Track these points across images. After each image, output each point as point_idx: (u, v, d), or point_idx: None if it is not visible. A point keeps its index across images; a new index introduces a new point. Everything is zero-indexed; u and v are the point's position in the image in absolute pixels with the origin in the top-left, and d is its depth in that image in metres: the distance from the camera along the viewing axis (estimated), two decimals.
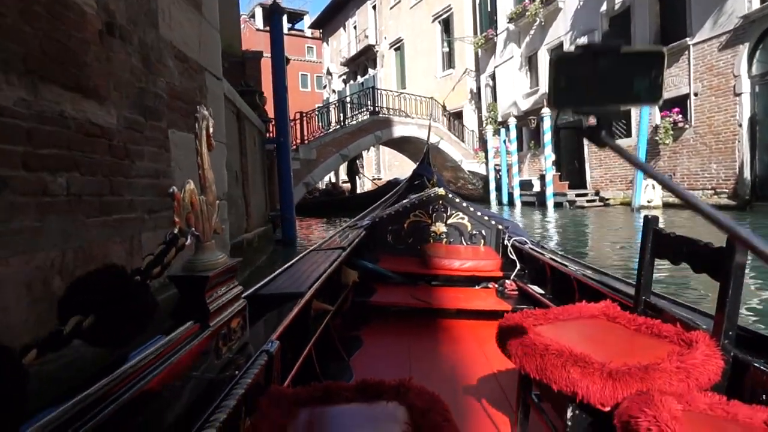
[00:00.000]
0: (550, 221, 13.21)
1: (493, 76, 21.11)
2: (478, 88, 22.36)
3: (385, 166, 28.37)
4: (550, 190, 15.86)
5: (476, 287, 3.50)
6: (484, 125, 21.23)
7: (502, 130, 18.82)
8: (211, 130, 1.14)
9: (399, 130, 17.73)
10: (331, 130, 16.37)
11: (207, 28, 4.29)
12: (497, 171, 19.51)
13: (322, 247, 3.22)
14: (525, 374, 1.42)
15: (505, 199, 18.42)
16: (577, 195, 15.66)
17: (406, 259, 3.69)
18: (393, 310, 3.24)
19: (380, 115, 17.62)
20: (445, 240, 3.89)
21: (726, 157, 11.59)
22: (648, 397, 0.99)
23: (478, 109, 22.40)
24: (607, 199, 15.15)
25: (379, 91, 18.24)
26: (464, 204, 3.96)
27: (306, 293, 1.91)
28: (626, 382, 1.11)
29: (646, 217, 1.67)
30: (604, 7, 15.07)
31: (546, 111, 16.03)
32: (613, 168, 15.13)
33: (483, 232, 3.87)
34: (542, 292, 2.92)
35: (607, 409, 1.13)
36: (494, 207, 18.22)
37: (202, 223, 1.09)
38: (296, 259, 2.70)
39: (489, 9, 21.03)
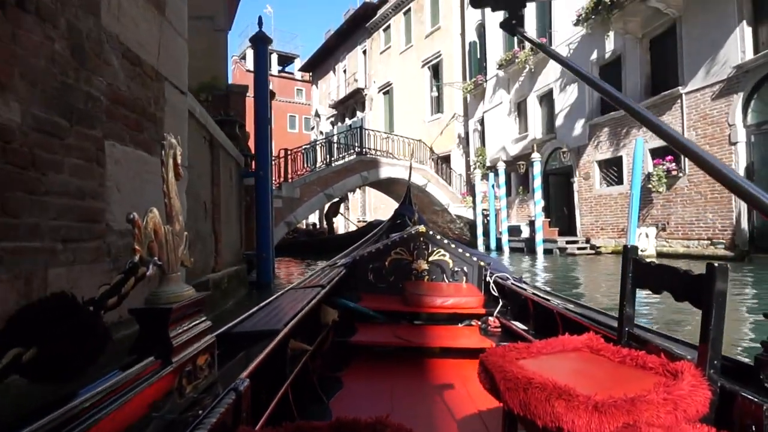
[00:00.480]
0: (541, 268, 12.59)
1: (481, 121, 20.92)
2: (467, 133, 22.15)
3: (371, 208, 27.81)
4: (539, 237, 15.33)
5: (459, 325, 3.44)
6: (472, 169, 20.87)
7: (491, 175, 18.43)
8: (179, 158, 1.11)
9: (386, 171, 17.23)
10: (316, 170, 15.79)
11: (171, 33, 3.68)
12: (485, 216, 19.01)
13: (301, 285, 3.11)
14: (509, 411, 1.41)
15: (493, 245, 17.83)
16: (568, 242, 15.13)
17: (388, 298, 3.62)
18: (375, 350, 3.15)
19: (367, 155, 17.13)
20: (427, 277, 3.82)
21: (722, 207, 11.16)
22: (636, 430, 0.97)
23: (466, 153, 22.12)
24: (599, 247, 14.62)
25: (366, 132, 17.81)
26: (445, 241, 3.89)
27: (282, 330, 1.81)
28: (612, 414, 1.08)
29: (625, 246, 1.62)
30: (594, 56, 14.97)
31: (536, 156, 15.68)
32: (603, 215, 14.68)
33: (465, 269, 3.82)
34: (525, 327, 2.88)
35: None
36: (482, 250, 17.61)
37: (167, 253, 1.05)
38: (273, 297, 2.58)
39: (479, 56, 21.04)
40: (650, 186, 12.59)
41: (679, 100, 12.09)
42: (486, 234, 18.69)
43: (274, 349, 1.67)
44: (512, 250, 16.96)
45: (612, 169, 14.60)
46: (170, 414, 0.98)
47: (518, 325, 2.98)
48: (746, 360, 1.33)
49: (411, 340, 3.01)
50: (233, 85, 13.00)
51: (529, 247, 16.06)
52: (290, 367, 2.02)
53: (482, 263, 3.83)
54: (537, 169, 15.68)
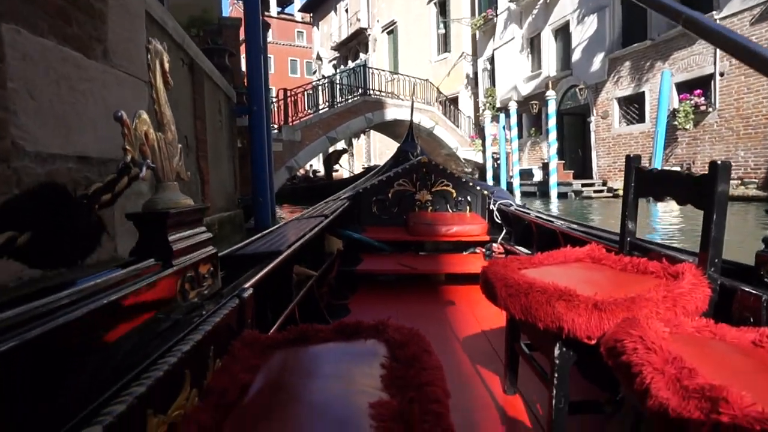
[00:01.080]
0: (556, 212, 11.82)
1: (491, 60, 19.65)
2: (475, 73, 20.90)
3: (376, 153, 26.84)
4: (553, 180, 14.45)
5: (464, 253, 3.46)
6: (481, 111, 19.77)
7: (501, 116, 17.36)
8: (166, 65, 1.07)
9: (392, 113, 16.21)
10: (318, 112, 14.80)
11: None
12: (495, 159, 18.08)
13: (305, 216, 3.10)
14: (511, 320, 1.52)
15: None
16: (584, 185, 14.26)
17: (392, 229, 3.62)
18: (380, 279, 3.18)
19: (372, 96, 16.06)
20: (430, 208, 3.80)
21: (756, 144, 10.24)
22: (634, 321, 0.95)
23: (475, 94, 20.96)
24: (616, 190, 13.77)
25: (370, 71, 16.66)
26: (448, 171, 3.86)
27: (285, 251, 1.78)
28: (612, 312, 1.08)
29: (627, 156, 1.60)
30: None
31: (551, 94, 14.59)
32: (622, 156, 13.73)
33: (468, 198, 3.80)
34: (529, 252, 2.87)
35: (594, 342, 1.10)
36: None
37: (161, 160, 1.03)
38: (276, 226, 2.58)
39: None
40: (676, 123, 11.61)
41: None
42: (496, 178, 17.82)
43: (278, 266, 1.66)
44: (524, 194, 16.12)
45: (633, 107, 13.55)
46: (175, 315, 0.97)
47: (522, 250, 3.00)
48: (747, 263, 1.29)
49: (416, 268, 2.99)
50: (225, 18, 11.90)
51: (542, 191, 15.21)
52: (296, 290, 2.02)
53: (485, 192, 3.81)
54: (552, 108, 14.62)
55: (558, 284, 1.20)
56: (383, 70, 18.13)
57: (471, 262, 3.25)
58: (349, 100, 15.51)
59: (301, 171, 17.93)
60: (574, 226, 2.39)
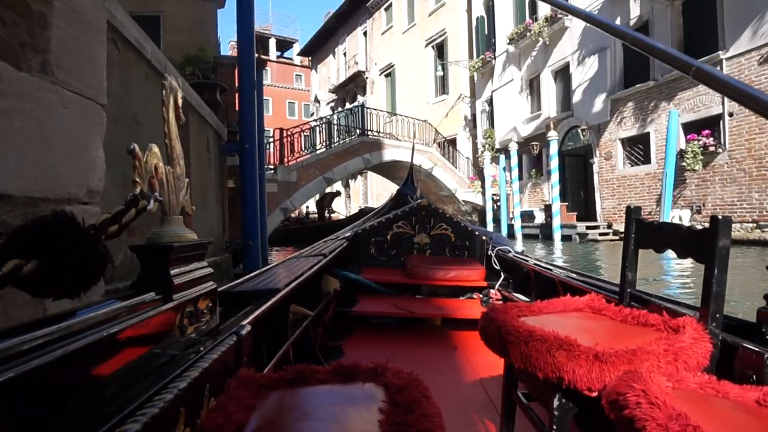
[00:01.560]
0: (560, 255, 11.22)
1: (489, 101, 19.46)
2: (473, 115, 20.71)
3: (373, 195, 26.39)
4: (557, 222, 13.92)
5: (461, 297, 3.41)
6: (480, 152, 19.44)
7: (501, 157, 17.00)
8: (179, 101, 1.10)
9: (390, 154, 15.80)
10: (315, 152, 14.35)
11: None
12: (495, 201, 17.62)
13: (303, 255, 3.11)
14: (509, 368, 1.48)
15: (504, 232, 16.43)
16: (588, 227, 13.72)
17: (390, 271, 3.59)
18: (376, 321, 3.14)
19: (369, 136, 15.68)
20: (428, 251, 3.77)
21: None
22: (636, 375, 0.93)
23: (473, 136, 20.71)
24: (622, 232, 13.20)
25: (368, 111, 16.34)
26: (447, 215, 3.85)
27: (283, 290, 1.79)
28: (613, 363, 1.06)
29: (628, 207, 1.60)
30: (617, 22, 13.46)
31: (553, 134, 14.23)
32: (627, 198, 13.26)
33: (467, 242, 3.77)
34: (527, 299, 2.80)
35: (595, 394, 1.08)
36: None
37: (168, 194, 1.04)
38: (274, 264, 2.58)
39: (486, 31, 19.53)
40: (684, 164, 11.16)
41: (719, 66, 10.61)
42: (496, 220, 17.30)
43: (275, 304, 1.65)
44: (526, 237, 15.57)
45: (637, 148, 13.16)
46: (171, 350, 0.95)
47: (520, 297, 2.94)
48: (749, 320, 1.27)
49: (412, 311, 2.96)
50: (222, 56, 11.58)
51: (545, 234, 14.66)
52: (292, 329, 2.00)
53: (484, 237, 3.77)
54: (553, 148, 14.24)
55: (558, 333, 1.17)
56: (381, 111, 17.82)
57: (468, 307, 3.16)
58: (347, 141, 15.09)
59: (295, 213, 17.31)
60: (573, 275, 2.37)
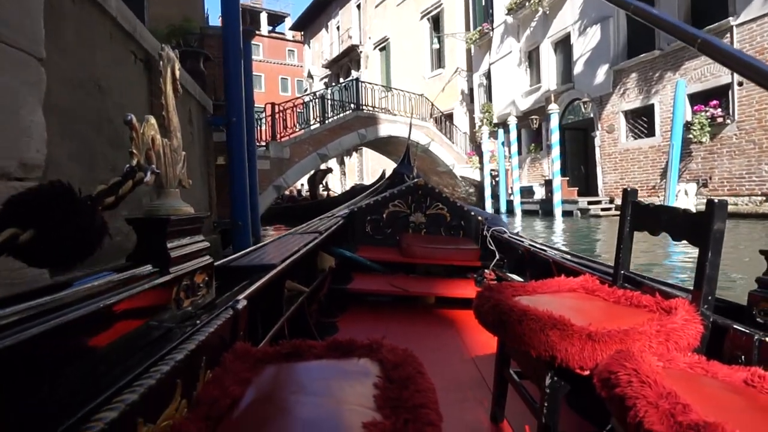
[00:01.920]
0: (560, 232, 10.86)
1: (487, 75, 18.88)
2: (470, 89, 20.13)
3: (369, 172, 25.90)
4: (557, 197, 13.54)
5: (455, 277, 3.41)
6: (477, 128, 18.94)
7: (500, 132, 16.51)
8: (177, 73, 1.08)
9: (386, 129, 15.28)
10: (309, 128, 13.82)
11: None
12: (493, 177, 17.18)
13: (299, 231, 3.10)
14: (502, 347, 1.52)
15: (503, 208, 16.05)
16: (590, 203, 13.34)
17: (385, 249, 3.57)
18: (370, 298, 3.16)
19: (364, 110, 15.14)
20: (424, 230, 3.78)
21: None
22: (628, 354, 0.93)
23: (470, 111, 20.17)
24: None
25: (363, 85, 15.76)
26: (443, 195, 3.85)
27: (279, 266, 1.78)
28: (605, 343, 1.07)
29: (624, 190, 1.59)
30: None
31: (554, 107, 13.75)
32: (630, 172, 12.85)
33: (462, 222, 3.77)
34: (522, 280, 2.79)
35: (586, 373, 1.09)
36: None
37: (165, 166, 1.03)
38: (269, 240, 2.61)
39: (483, 2, 18.83)
40: (690, 136, 10.74)
41: (728, 34, 10.12)
42: (495, 196, 16.91)
43: (270, 280, 1.64)
44: (525, 213, 15.20)
45: (641, 120, 12.70)
46: (168, 323, 0.95)
47: (514, 277, 2.94)
48: (740, 303, 1.28)
49: (407, 290, 2.97)
50: (208, 27, 10.96)
51: (545, 210, 14.29)
52: (287, 306, 1.99)
53: (480, 217, 3.77)
54: (554, 122, 13.77)
55: (552, 313, 1.17)
56: (376, 84, 17.23)
57: (462, 286, 3.16)
58: (341, 116, 14.56)
59: (287, 191, 16.81)
60: (568, 256, 2.39)
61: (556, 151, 13.71)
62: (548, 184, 14.58)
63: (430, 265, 3.43)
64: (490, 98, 18.72)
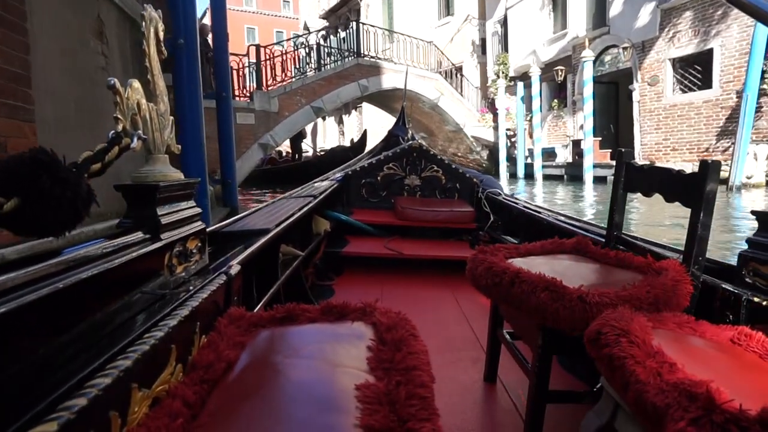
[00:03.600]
0: (593, 203, 8.87)
1: (503, 22, 16.46)
2: (482, 39, 17.74)
3: (369, 132, 23.62)
4: (588, 161, 11.46)
5: (450, 239, 3.36)
6: (491, 82, 16.64)
7: (519, 85, 14.24)
8: (161, 33, 1.02)
9: (389, 80, 13.00)
10: (305, 77, 11.56)
11: None
12: (509, 137, 15.03)
13: (293, 195, 3.02)
14: (495, 308, 1.53)
15: (520, 172, 13.99)
16: None
17: (380, 212, 3.52)
18: (365, 261, 3.07)
19: (366, 58, 12.83)
20: (419, 193, 3.70)
21: None
22: (617, 314, 0.92)
23: (482, 64, 17.83)
24: None
25: (365, 28, 13.37)
26: (439, 157, 3.75)
27: (273, 230, 1.75)
28: (596, 304, 1.05)
29: (619, 151, 1.57)
30: None
31: (588, 54, 11.49)
32: (677, 131, 10.72)
33: (457, 185, 3.70)
34: (516, 241, 2.76)
35: (577, 333, 1.04)
36: (505, 182, 13.78)
37: (152, 131, 0.98)
38: (263, 204, 2.50)
39: None
40: (765, 86, 8.59)
41: None
42: (511, 159, 14.80)
43: (265, 244, 1.61)
44: (548, 177, 13.14)
45: (693, 69, 10.49)
46: (161, 289, 0.93)
47: (509, 239, 2.92)
48: (731, 263, 1.27)
49: (402, 252, 2.95)
50: None
51: (572, 175, 12.24)
52: (282, 270, 1.96)
53: (475, 180, 3.70)
54: (587, 72, 11.53)
55: (544, 274, 1.16)
56: (379, 27, 14.80)
57: (457, 248, 3.08)
58: (340, 64, 12.26)
59: (274, 152, 14.62)
60: (562, 217, 2.35)
61: (588, 107, 11.53)
62: (575, 146, 12.48)
63: (425, 227, 3.36)
64: (505, 48, 16.36)
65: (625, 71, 12.17)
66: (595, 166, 11.46)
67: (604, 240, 1.60)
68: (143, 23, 0.97)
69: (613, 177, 1.55)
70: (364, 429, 0.61)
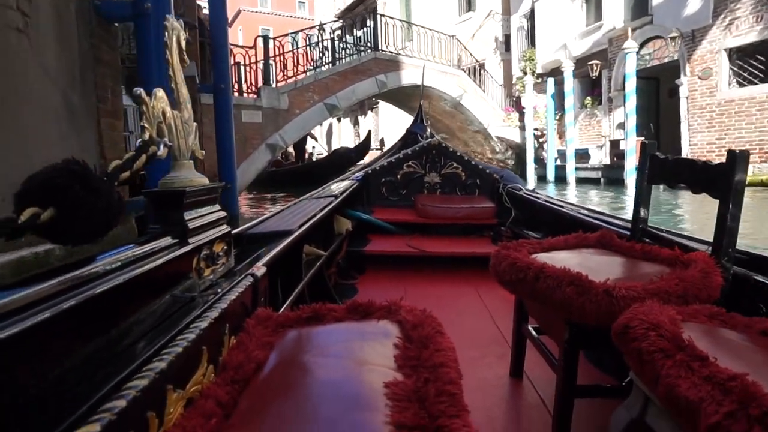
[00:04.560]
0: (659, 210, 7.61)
1: (529, 15, 15.22)
2: (506, 35, 16.52)
3: (385, 133, 22.47)
4: (631, 163, 10.14)
5: (471, 236, 3.31)
6: (517, 80, 15.40)
7: (550, 81, 12.96)
8: (183, 43, 1.02)
9: (409, 76, 11.83)
10: (317, 72, 10.46)
11: None
12: (537, 138, 13.77)
13: (314, 196, 2.97)
14: (520, 303, 1.50)
15: (551, 175, 12.70)
16: None
17: (401, 210, 3.49)
18: (388, 260, 3.01)
19: (384, 52, 11.68)
20: (439, 190, 3.63)
21: None
22: (645, 307, 0.89)
23: (506, 61, 16.60)
24: None
25: (383, 20, 12.22)
26: (458, 153, 3.69)
27: (296, 231, 1.74)
28: (623, 298, 1.00)
29: (643, 143, 1.53)
30: None
31: (631, 45, 10.19)
32: (735, 129, 9.38)
33: (477, 181, 3.63)
34: (538, 236, 2.70)
35: (603, 328, 0.99)
36: (533, 186, 12.52)
37: (177, 138, 0.99)
38: (286, 206, 2.52)
39: None
40: None
41: None
42: (539, 161, 13.54)
43: (289, 246, 1.61)
44: (582, 181, 11.84)
45: (754, 60, 9.16)
46: (190, 292, 0.93)
47: (531, 234, 2.84)
48: (762, 254, 1.21)
49: (424, 250, 2.90)
50: None
51: (610, 178, 10.96)
52: (306, 270, 1.95)
53: (495, 175, 3.61)
54: (630, 65, 10.21)
55: (569, 269, 1.12)
56: (398, 20, 13.64)
57: (478, 245, 3.05)
58: (356, 58, 11.13)
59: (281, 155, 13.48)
60: (584, 211, 2.30)
61: (630, 103, 10.22)
62: (614, 146, 11.20)
63: (446, 224, 3.27)
64: (532, 43, 15.10)
65: (668, 65, 10.86)
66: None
67: (629, 233, 1.55)
68: (165, 33, 0.98)
69: (638, 169, 1.48)
70: (395, 426, 0.60)
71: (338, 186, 3.38)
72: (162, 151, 0.88)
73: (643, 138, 10.75)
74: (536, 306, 1.28)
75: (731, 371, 0.66)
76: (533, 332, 1.45)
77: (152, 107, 0.89)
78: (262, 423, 0.66)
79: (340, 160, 12.10)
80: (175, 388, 0.68)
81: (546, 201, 2.80)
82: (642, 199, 1.49)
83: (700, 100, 10.05)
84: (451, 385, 0.69)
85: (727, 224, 1.13)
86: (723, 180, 1.13)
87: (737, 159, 1.10)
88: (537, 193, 3.19)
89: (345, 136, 27.60)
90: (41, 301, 0.54)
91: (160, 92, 0.92)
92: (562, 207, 2.52)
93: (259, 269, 1.18)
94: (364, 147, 12.58)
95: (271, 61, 9.85)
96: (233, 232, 1.21)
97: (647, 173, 1.45)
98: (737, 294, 1.15)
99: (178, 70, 0.99)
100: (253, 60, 9.66)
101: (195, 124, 1.06)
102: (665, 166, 1.39)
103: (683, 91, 10.38)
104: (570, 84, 12.06)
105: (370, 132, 13.07)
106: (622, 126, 12.06)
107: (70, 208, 0.61)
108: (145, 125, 0.87)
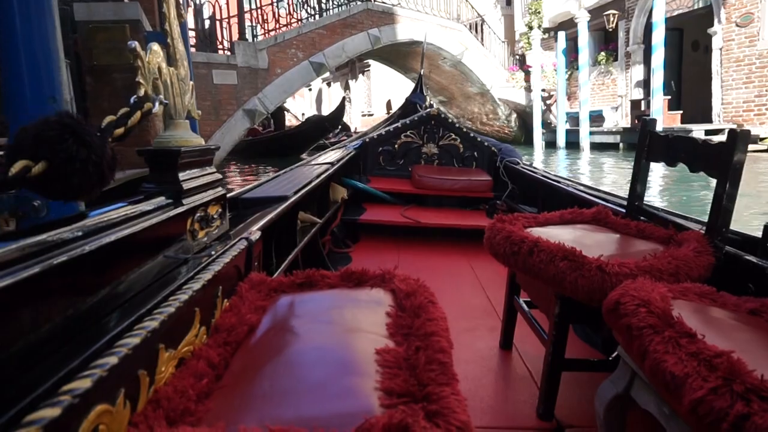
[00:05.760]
0: (676, 181, 6.44)
1: None
2: None
3: (378, 99, 20.92)
4: (657, 126, 8.85)
5: (467, 208, 3.27)
6: (520, 36, 13.90)
7: (560, 35, 11.49)
8: None
9: (405, 30, 10.33)
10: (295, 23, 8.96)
11: None
12: (544, 99, 12.39)
13: (311, 162, 3.00)
14: (513, 277, 1.49)
15: (561, 140, 11.40)
16: (708, 132, 8.64)
17: (397, 180, 3.40)
18: (383, 229, 2.98)
19: (378, 2, 10.13)
20: (436, 161, 3.52)
21: None
22: (637, 284, 0.89)
23: (507, 17, 15.02)
24: (763, 139, 8.24)
25: None
26: (457, 125, 3.58)
27: (292, 197, 1.74)
28: (615, 274, 0.99)
29: (643, 119, 1.47)
30: None
31: None
32: None
33: (475, 153, 3.51)
34: (534, 211, 2.67)
35: (595, 303, 1.00)
36: (541, 152, 11.26)
37: (173, 96, 0.95)
38: (282, 171, 2.51)
39: None
40: None
41: None
42: (547, 125, 12.21)
43: (284, 211, 1.61)
44: (596, 146, 10.56)
45: None
46: (183, 253, 0.91)
47: (527, 208, 2.83)
48: (755, 235, 1.17)
49: (419, 220, 2.87)
50: None
51: (631, 143, 9.68)
52: (300, 236, 1.95)
53: (493, 148, 3.50)
54: (659, 12, 8.79)
55: (563, 244, 1.11)
56: None
57: (474, 217, 2.98)
58: (345, 9, 9.59)
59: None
60: (581, 187, 2.25)
61: (658, 56, 8.84)
62: (635, 107, 9.88)
63: (442, 196, 3.23)
64: None
65: (695, 13, 9.46)
66: (665, 131, 8.88)
67: (624, 210, 1.52)
68: None
69: (636, 146, 1.44)
70: (385, 392, 0.60)
71: (335, 154, 3.30)
72: (157, 109, 0.86)
73: (669, 97, 9.45)
74: (529, 280, 1.29)
75: (718, 348, 0.66)
76: (524, 305, 1.44)
77: (147, 62, 0.85)
78: (253, 385, 0.65)
79: (314, 129, 10.86)
80: (167, 347, 0.67)
81: (543, 176, 2.74)
82: (639, 177, 1.44)
83: (737, 51, 8.70)
84: (442, 354, 0.68)
85: (722, 204, 1.09)
86: (722, 159, 1.09)
87: (738, 138, 1.06)
88: (534, 167, 3.13)
89: (335, 101, 25.96)
90: (31, 255, 0.53)
91: (155, 47, 0.88)
92: (558, 182, 2.48)
93: (254, 233, 1.15)
94: (337, 115, 11.30)
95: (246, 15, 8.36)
96: (228, 195, 1.18)
97: (646, 150, 1.41)
98: (728, 273, 1.11)
99: (175, 24, 0.97)
100: (225, 16, 8.18)
101: (191, 82, 1.03)
102: (664, 145, 1.35)
103: (716, 42, 9.01)
104: (585, 37, 10.61)
105: (344, 98, 11.70)
106: (640, 84, 10.71)
107: (62, 162, 0.59)
108: (140, 81, 0.84)
